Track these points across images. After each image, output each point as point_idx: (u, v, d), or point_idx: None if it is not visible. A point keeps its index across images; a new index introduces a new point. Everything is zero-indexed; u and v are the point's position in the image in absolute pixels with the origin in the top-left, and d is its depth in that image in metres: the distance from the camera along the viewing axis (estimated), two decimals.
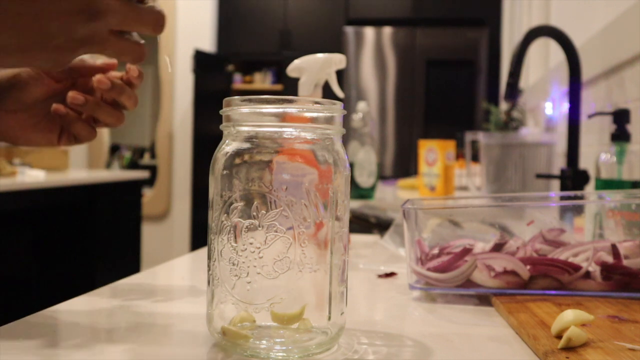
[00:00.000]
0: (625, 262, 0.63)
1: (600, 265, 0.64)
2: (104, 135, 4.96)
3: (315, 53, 0.82)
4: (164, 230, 4.89)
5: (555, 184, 1.68)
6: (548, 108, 2.19)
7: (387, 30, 4.45)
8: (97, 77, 0.59)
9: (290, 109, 0.47)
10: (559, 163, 1.74)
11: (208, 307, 0.49)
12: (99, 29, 0.44)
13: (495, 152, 1.78)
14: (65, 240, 3.03)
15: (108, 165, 5.16)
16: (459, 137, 2.58)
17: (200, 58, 4.48)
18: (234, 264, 0.46)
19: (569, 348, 0.47)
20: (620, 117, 0.91)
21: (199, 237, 4.72)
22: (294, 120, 0.47)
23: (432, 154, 1.96)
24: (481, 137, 1.86)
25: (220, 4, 4.86)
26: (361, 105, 1.90)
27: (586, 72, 1.45)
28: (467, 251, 0.66)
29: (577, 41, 1.35)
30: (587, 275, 0.64)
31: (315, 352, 0.47)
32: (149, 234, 4.68)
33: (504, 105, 2.67)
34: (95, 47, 0.45)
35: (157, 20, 0.47)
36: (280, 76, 4.98)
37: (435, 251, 0.69)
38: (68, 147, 3.72)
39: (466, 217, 0.76)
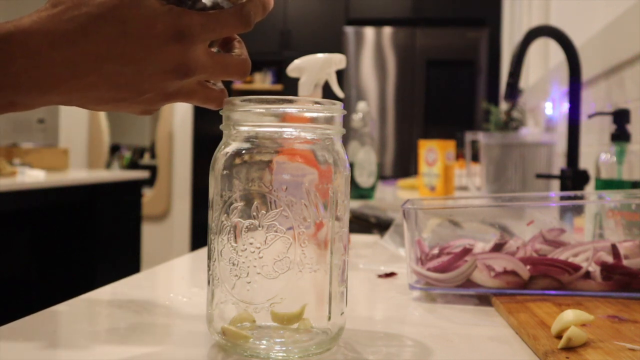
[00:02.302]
0: (625, 262, 0.63)
1: (600, 265, 0.64)
2: (104, 135, 4.96)
3: (315, 53, 0.82)
4: (164, 230, 4.89)
5: (555, 184, 1.68)
6: (548, 108, 2.19)
7: (387, 30, 4.45)
8: None
9: (290, 109, 0.47)
10: (559, 163, 1.74)
11: (208, 307, 0.49)
12: (187, 84, 0.47)
13: (495, 152, 1.78)
14: (65, 240, 3.03)
15: (108, 165, 5.16)
16: (459, 137, 2.58)
17: None
18: (234, 264, 0.46)
19: (569, 348, 0.47)
20: (620, 117, 0.91)
21: (199, 237, 4.72)
22: (294, 120, 0.47)
23: (432, 154, 1.96)
24: (481, 137, 1.86)
25: None
26: (361, 105, 1.90)
27: (586, 72, 1.45)
28: (467, 251, 0.66)
29: (577, 41, 1.35)
30: (587, 275, 0.64)
31: (315, 352, 0.47)
32: (149, 234, 4.68)
33: (504, 105, 2.67)
34: (182, 98, 0.48)
35: (243, 70, 0.49)
36: (280, 76, 4.98)
37: (435, 251, 0.69)
38: (68, 147, 3.72)
39: (466, 217, 0.76)
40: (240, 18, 0.46)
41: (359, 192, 1.87)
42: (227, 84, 4.86)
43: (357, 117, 1.88)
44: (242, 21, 0.46)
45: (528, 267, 0.64)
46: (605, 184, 0.88)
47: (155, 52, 0.43)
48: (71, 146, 4.48)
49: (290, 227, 0.45)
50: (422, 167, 2.01)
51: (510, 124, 2.28)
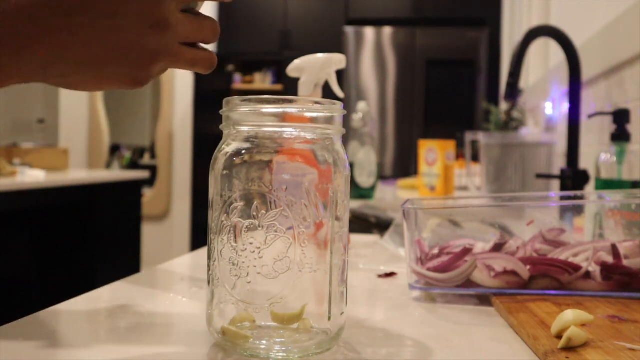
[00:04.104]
0: (625, 262, 0.63)
1: (600, 265, 0.64)
2: (104, 135, 4.96)
3: (315, 53, 0.82)
4: (164, 230, 4.89)
5: (555, 184, 1.68)
6: (548, 108, 2.19)
7: (387, 30, 4.45)
8: None
9: (290, 109, 0.47)
10: (559, 163, 1.74)
11: (208, 307, 0.49)
12: (170, 41, 0.46)
13: (495, 152, 1.78)
14: (65, 240, 3.03)
15: (108, 165, 5.16)
16: (459, 137, 2.58)
17: None
18: (234, 264, 0.46)
19: (569, 348, 0.47)
20: (620, 117, 0.91)
21: (199, 237, 4.72)
22: (294, 120, 0.47)
23: (432, 154, 1.96)
24: (481, 137, 1.86)
25: (220, 4, 4.86)
26: (361, 105, 1.90)
27: (586, 72, 1.45)
28: (467, 251, 0.66)
29: (577, 41, 1.35)
30: (587, 275, 0.64)
31: (315, 352, 0.47)
32: (149, 234, 4.68)
33: (504, 105, 2.67)
34: (168, 58, 0.46)
35: (215, 29, 0.49)
36: (280, 76, 4.98)
37: (435, 251, 0.69)
38: (68, 147, 3.72)
39: (466, 217, 0.76)
40: None
41: (359, 192, 1.87)
42: (227, 84, 4.86)
43: (357, 117, 1.88)
44: None
45: (528, 267, 0.64)
46: (605, 184, 0.88)
47: (127, 3, 0.43)
48: (71, 146, 4.48)
49: (290, 227, 0.45)
50: (422, 167, 2.01)
51: (510, 124, 2.28)
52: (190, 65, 0.48)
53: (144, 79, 0.47)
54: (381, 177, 2.73)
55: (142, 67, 0.46)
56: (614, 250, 0.64)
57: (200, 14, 0.49)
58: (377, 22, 4.56)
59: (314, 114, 0.47)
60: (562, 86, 1.91)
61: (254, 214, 0.46)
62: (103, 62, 0.44)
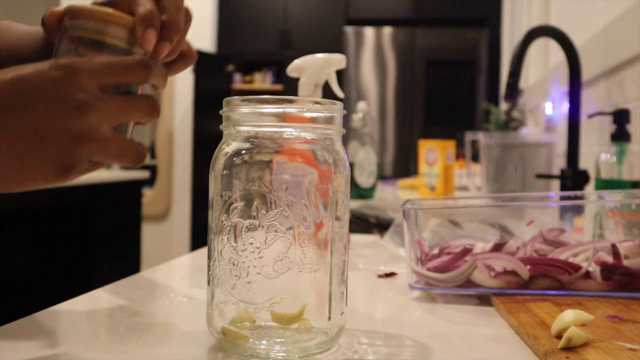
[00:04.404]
0: (625, 262, 0.63)
1: (600, 265, 0.64)
2: None
3: (315, 53, 0.82)
4: (164, 230, 4.89)
5: (555, 184, 1.68)
6: (548, 108, 2.19)
7: (387, 30, 4.45)
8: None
9: (290, 109, 0.47)
10: (559, 163, 1.74)
11: (208, 307, 0.49)
12: (95, 124, 0.42)
13: (495, 152, 1.78)
14: (65, 240, 3.03)
15: (108, 165, 5.16)
16: (459, 137, 2.58)
17: (200, 58, 4.48)
18: (234, 264, 0.46)
19: (569, 348, 0.47)
20: (620, 117, 0.91)
21: (199, 237, 4.72)
22: (294, 120, 0.47)
23: (432, 154, 1.96)
24: (481, 137, 1.86)
25: (220, 4, 4.86)
26: (361, 105, 1.90)
27: (586, 72, 1.45)
28: (467, 251, 0.66)
29: (577, 41, 1.35)
30: (587, 275, 0.64)
31: (315, 352, 0.47)
32: (149, 234, 4.67)
33: (504, 105, 2.68)
34: (94, 145, 0.42)
35: (152, 107, 0.46)
36: (280, 76, 4.98)
37: (435, 251, 0.69)
38: None
39: (466, 217, 0.76)
40: (139, 63, 0.44)
41: (359, 192, 1.87)
42: (227, 84, 4.86)
43: (357, 117, 1.88)
44: (140, 65, 0.44)
45: (528, 267, 0.64)
46: (605, 184, 0.89)
47: (40, 81, 0.41)
48: None
49: (290, 227, 0.45)
50: (422, 167, 2.01)
51: (510, 124, 2.28)
52: (117, 157, 0.45)
53: (68, 168, 0.43)
54: (381, 177, 2.73)
55: (65, 153, 0.42)
56: (614, 250, 0.64)
57: (139, 95, 0.46)
58: (377, 22, 4.56)
59: (314, 114, 0.47)
60: (562, 86, 1.91)
61: (254, 214, 0.46)
62: (24, 150, 0.41)
